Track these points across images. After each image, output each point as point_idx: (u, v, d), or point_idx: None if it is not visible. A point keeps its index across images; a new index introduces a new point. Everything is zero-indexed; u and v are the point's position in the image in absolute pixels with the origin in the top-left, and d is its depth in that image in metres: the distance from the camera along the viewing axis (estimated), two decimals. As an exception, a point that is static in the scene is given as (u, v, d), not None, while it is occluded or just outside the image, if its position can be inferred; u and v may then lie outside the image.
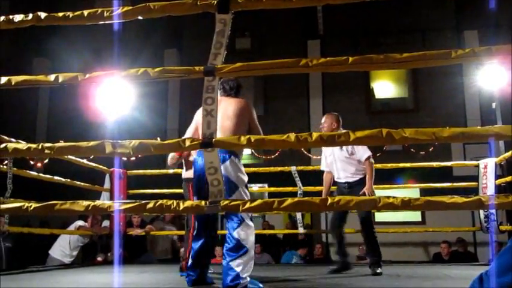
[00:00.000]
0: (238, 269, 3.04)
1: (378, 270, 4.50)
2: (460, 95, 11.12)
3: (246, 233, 3.15)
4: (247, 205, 2.31)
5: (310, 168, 7.38)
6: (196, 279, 3.39)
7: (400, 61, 2.33)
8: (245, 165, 3.44)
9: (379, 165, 6.53)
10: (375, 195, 4.42)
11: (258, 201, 2.34)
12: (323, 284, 3.82)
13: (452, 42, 11.09)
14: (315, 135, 2.24)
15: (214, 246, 3.80)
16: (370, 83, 12.09)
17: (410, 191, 9.59)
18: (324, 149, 5.04)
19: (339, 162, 4.78)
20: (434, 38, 11.45)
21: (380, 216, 10.21)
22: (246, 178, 3.30)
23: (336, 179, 4.92)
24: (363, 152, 4.64)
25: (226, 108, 3.37)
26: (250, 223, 3.21)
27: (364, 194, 4.53)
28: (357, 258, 8.71)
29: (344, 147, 4.66)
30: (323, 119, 4.90)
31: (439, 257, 8.51)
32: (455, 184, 6.67)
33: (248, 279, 3.10)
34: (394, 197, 2.27)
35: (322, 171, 5.15)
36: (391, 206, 2.27)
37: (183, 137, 3.32)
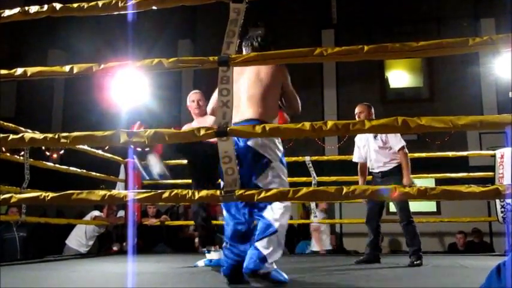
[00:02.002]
0: (263, 251, 2.65)
1: (417, 262, 4.46)
2: (476, 84, 10.97)
3: (278, 213, 2.76)
4: (262, 194, 2.31)
5: (325, 158, 7.37)
6: (233, 269, 2.88)
7: (416, 49, 2.30)
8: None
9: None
10: (414, 186, 4.42)
11: (273, 191, 2.34)
12: (337, 275, 3.82)
13: (468, 31, 10.92)
14: (330, 123, 2.23)
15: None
16: (384, 73, 11.98)
17: (425, 181, 9.51)
18: (356, 140, 5.10)
19: (372, 153, 4.81)
20: (449, 26, 11.29)
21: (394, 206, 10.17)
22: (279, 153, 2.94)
23: (370, 170, 4.96)
24: (396, 142, 4.62)
25: (257, 72, 2.95)
26: (285, 203, 2.80)
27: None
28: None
29: (378, 137, 4.70)
30: (357, 109, 4.91)
31: (454, 247, 8.47)
32: (471, 174, 6.61)
33: (274, 266, 2.73)
34: (410, 187, 2.26)
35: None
36: (407, 196, 2.26)
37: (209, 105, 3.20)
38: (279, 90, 3.01)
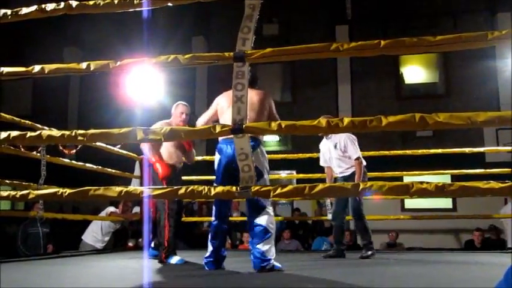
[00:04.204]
0: (266, 252, 3.35)
1: (366, 254, 4.95)
2: (493, 80, 10.83)
3: (270, 220, 3.44)
4: (278, 191, 2.30)
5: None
6: (216, 263, 3.66)
7: (433, 44, 2.27)
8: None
9: (409, 152, 6.46)
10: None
11: (289, 187, 2.33)
12: (347, 270, 3.81)
13: (485, 25, 10.79)
14: (346, 120, 2.22)
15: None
16: (399, 68, 11.88)
17: (441, 177, 9.42)
18: (320, 146, 5.42)
19: (334, 160, 5.18)
20: (466, 21, 11.16)
21: (410, 203, 10.07)
22: (267, 165, 3.57)
23: (334, 175, 5.33)
24: (353, 152, 5.01)
25: (250, 99, 3.37)
26: (271, 210, 3.52)
27: None
28: (386, 245, 8.65)
29: (338, 146, 5.08)
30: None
31: (471, 244, 8.37)
32: (488, 170, 6.53)
33: (273, 260, 3.39)
34: (427, 183, 2.23)
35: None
36: (425, 192, 2.23)
37: (198, 120, 3.68)
38: (267, 113, 3.62)
